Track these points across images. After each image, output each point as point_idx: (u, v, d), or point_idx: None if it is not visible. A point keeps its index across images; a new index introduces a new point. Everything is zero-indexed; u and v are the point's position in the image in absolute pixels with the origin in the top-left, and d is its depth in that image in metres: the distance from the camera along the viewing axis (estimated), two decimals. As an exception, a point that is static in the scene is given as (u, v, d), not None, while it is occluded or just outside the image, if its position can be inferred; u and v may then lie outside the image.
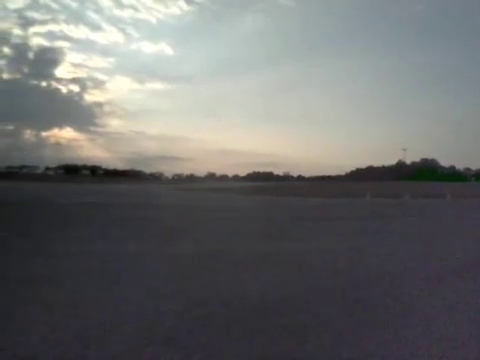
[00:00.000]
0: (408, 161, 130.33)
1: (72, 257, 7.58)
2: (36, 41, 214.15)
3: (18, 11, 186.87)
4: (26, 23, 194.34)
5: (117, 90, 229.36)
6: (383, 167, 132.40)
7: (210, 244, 9.54)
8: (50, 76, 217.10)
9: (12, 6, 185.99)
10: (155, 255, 8.02)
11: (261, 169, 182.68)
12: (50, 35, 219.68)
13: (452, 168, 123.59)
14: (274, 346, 3.59)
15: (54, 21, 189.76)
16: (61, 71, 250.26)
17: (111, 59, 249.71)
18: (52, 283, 5.67)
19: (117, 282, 5.78)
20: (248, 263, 7.36)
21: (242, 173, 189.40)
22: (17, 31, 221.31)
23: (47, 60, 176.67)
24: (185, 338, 3.74)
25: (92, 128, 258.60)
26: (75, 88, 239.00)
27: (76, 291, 5.27)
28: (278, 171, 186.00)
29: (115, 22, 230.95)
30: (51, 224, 13.36)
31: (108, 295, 5.10)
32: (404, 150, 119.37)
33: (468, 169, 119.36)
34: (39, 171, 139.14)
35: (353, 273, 6.56)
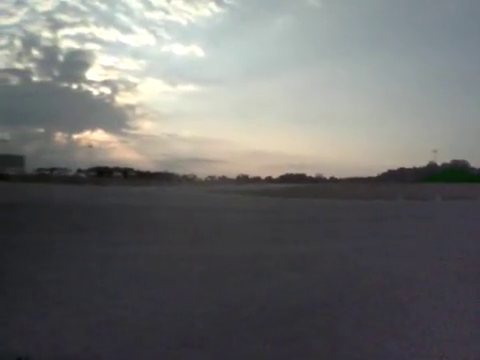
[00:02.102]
0: (439, 162, 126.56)
1: (108, 259, 7.75)
2: (66, 44, 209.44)
3: (47, 14, 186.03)
4: (55, 26, 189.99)
5: (149, 92, 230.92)
6: (414, 168, 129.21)
7: (248, 246, 9.69)
8: (81, 79, 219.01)
9: (41, 9, 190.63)
10: (192, 258, 8.06)
11: (293, 171, 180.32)
12: (80, 38, 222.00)
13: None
14: (305, 349, 3.66)
15: (84, 23, 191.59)
16: (92, 74, 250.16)
17: (142, 61, 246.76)
18: (86, 285, 5.81)
19: (153, 284, 5.89)
20: (284, 265, 7.45)
21: (275, 175, 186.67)
22: (46, 34, 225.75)
23: (77, 63, 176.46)
24: (219, 341, 3.76)
25: (124, 130, 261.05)
26: (106, 90, 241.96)
27: (110, 294, 5.34)
28: (310, 173, 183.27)
29: (146, 24, 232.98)
30: (85, 226, 13.39)
31: (143, 297, 5.19)
32: (435, 152, 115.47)
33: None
34: (71, 173, 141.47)
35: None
